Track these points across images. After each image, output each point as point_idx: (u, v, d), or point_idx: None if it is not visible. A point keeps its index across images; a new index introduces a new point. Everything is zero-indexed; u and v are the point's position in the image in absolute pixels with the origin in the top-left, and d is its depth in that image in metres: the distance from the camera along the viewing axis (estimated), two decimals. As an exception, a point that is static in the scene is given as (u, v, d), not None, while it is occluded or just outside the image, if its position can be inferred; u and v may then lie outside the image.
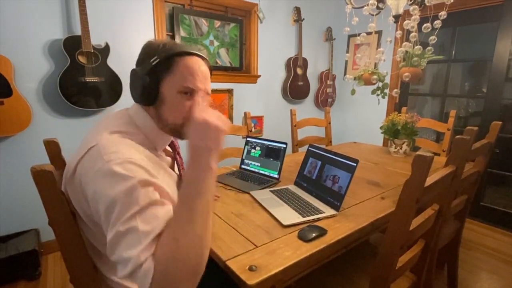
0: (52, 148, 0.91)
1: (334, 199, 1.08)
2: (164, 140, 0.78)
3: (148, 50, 0.72)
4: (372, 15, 1.54)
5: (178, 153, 0.88)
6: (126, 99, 2.00)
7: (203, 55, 0.76)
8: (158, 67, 0.69)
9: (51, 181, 0.64)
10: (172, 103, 0.72)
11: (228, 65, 2.69)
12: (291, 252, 0.80)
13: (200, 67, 0.73)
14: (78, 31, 1.86)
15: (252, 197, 1.18)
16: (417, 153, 0.76)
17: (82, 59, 1.82)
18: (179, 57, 0.71)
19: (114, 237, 0.57)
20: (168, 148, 0.87)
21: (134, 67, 0.75)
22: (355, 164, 1.08)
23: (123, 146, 0.65)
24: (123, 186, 0.58)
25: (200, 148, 0.60)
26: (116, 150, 0.62)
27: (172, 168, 0.85)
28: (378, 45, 2.99)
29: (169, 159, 0.84)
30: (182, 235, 0.56)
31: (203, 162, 0.60)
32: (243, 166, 1.55)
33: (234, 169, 1.56)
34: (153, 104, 0.73)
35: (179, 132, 0.75)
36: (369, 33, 1.69)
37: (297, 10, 2.94)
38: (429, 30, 1.40)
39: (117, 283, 0.75)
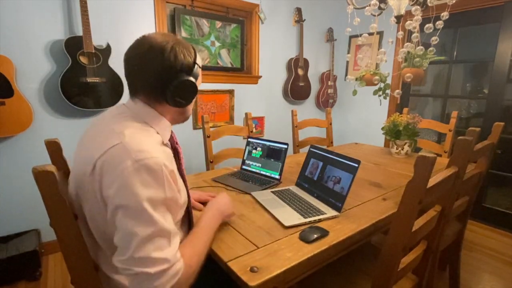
0: (53, 148, 0.91)
1: (336, 200, 1.08)
2: (168, 132, 0.82)
3: (183, 57, 0.75)
4: (374, 15, 1.54)
5: (177, 143, 0.89)
6: (127, 100, 2.00)
7: None
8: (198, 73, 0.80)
9: (52, 182, 0.64)
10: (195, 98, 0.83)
11: (229, 65, 2.69)
12: (292, 253, 0.80)
13: None
14: (79, 31, 1.86)
15: (253, 198, 1.18)
16: (419, 154, 0.76)
17: (83, 59, 1.82)
18: None
19: (147, 235, 0.61)
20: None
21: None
22: (356, 165, 1.07)
23: (147, 143, 0.68)
24: (154, 188, 0.64)
25: (218, 215, 0.89)
26: (143, 149, 0.65)
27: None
28: (380, 46, 2.99)
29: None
30: (202, 252, 0.75)
31: (218, 219, 0.89)
32: (244, 167, 1.54)
33: (235, 169, 1.56)
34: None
35: (187, 119, 0.88)
36: (370, 34, 1.69)
37: (298, 11, 2.94)
38: (431, 30, 1.40)
39: (122, 283, 0.75)
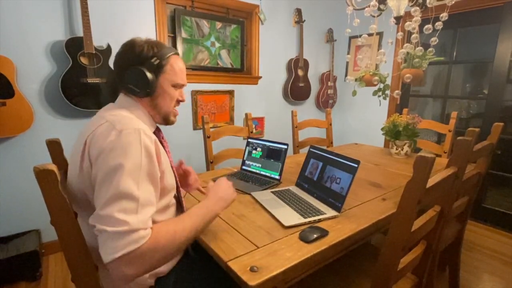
0: (55, 148, 0.92)
1: (335, 200, 1.08)
2: (152, 126, 0.89)
3: (140, 51, 0.82)
4: (373, 16, 1.55)
5: (163, 137, 0.95)
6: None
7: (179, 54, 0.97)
8: (158, 66, 0.83)
9: (53, 180, 0.64)
10: (168, 94, 0.88)
11: (229, 66, 2.69)
12: (292, 253, 0.80)
13: (183, 64, 0.91)
14: (80, 32, 1.86)
15: (253, 198, 1.18)
16: (419, 154, 0.76)
17: (84, 60, 1.82)
18: (170, 57, 0.86)
19: (114, 194, 0.65)
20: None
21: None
22: (356, 165, 1.07)
23: (131, 120, 0.76)
24: (132, 154, 0.69)
25: (221, 204, 0.86)
26: (126, 122, 0.74)
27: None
28: (379, 47, 2.99)
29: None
30: (180, 233, 0.72)
31: (217, 209, 0.84)
32: (244, 167, 1.55)
33: (235, 170, 1.56)
34: (150, 96, 0.85)
35: (168, 118, 0.92)
36: (370, 35, 1.70)
37: (298, 11, 2.95)
38: (430, 31, 1.40)
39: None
